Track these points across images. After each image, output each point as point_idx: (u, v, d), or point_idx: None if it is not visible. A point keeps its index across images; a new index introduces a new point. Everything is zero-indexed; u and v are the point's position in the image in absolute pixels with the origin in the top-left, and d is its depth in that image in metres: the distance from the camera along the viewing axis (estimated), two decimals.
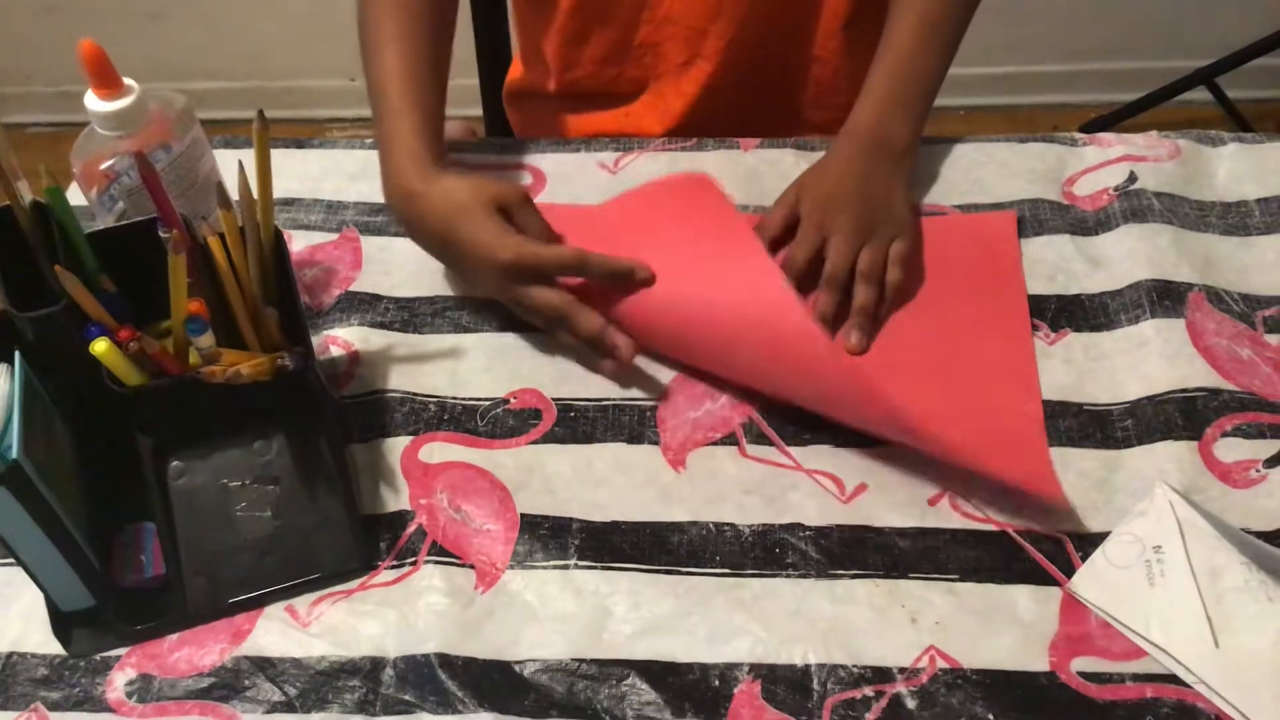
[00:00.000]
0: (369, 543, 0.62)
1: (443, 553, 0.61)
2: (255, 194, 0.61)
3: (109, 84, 0.64)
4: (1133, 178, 0.77)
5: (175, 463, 0.62)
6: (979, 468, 0.61)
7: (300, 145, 0.85)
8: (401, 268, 0.76)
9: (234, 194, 0.61)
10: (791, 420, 0.66)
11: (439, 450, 0.66)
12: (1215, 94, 1.76)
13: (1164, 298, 0.69)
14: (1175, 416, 0.64)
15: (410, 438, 0.66)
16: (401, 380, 0.70)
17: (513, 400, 0.68)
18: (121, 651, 0.59)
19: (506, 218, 0.68)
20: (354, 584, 0.61)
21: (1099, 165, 0.79)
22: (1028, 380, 0.66)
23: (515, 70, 1.00)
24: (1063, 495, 0.61)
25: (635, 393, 0.68)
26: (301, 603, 0.60)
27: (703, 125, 0.87)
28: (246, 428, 0.63)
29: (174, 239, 0.55)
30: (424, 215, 0.69)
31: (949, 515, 0.61)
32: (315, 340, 0.71)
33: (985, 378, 0.67)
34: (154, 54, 1.96)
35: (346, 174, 0.83)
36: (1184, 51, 1.81)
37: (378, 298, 0.74)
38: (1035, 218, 0.76)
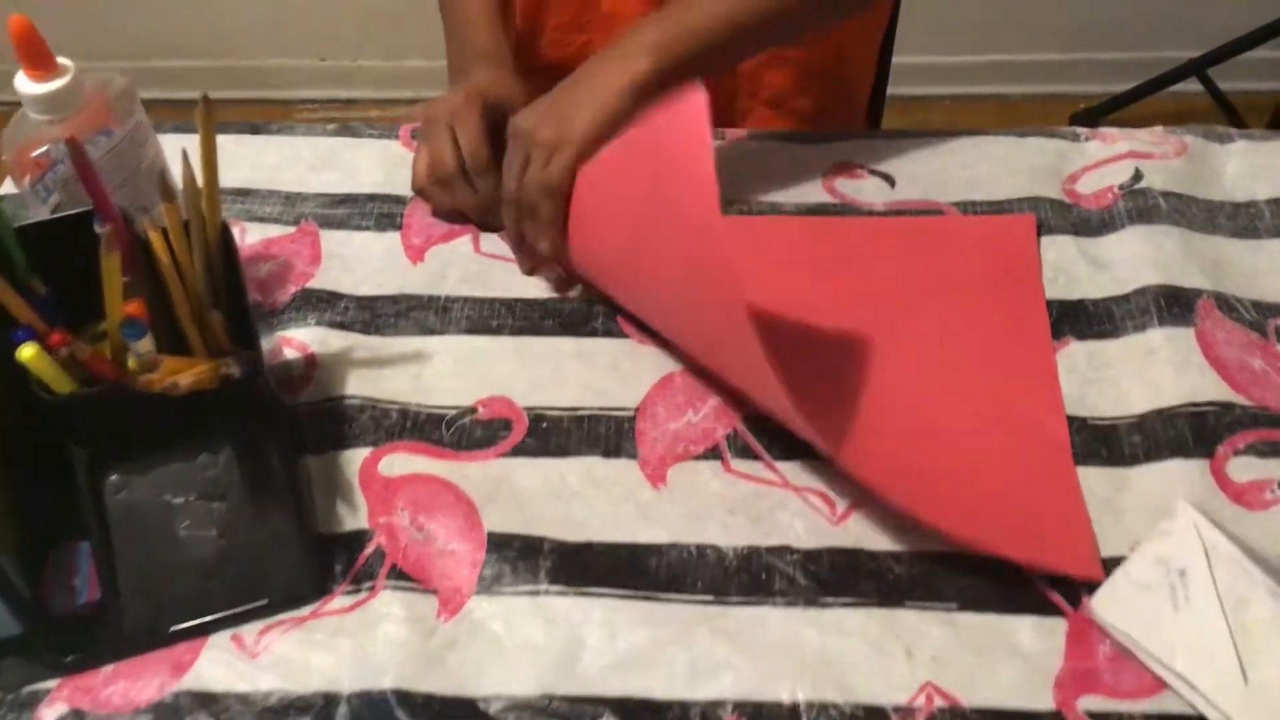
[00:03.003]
0: (323, 565, 0.57)
1: (403, 577, 0.57)
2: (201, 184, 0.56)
3: (41, 63, 0.59)
4: (1138, 175, 0.73)
5: (113, 477, 0.57)
6: (1002, 547, 0.56)
7: (256, 131, 0.80)
8: (363, 263, 0.72)
9: (180, 185, 0.56)
10: (779, 433, 0.62)
11: (400, 462, 0.61)
12: (1207, 86, 1.73)
13: (1172, 304, 0.65)
14: (1185, 432, 0.60)
15: (370, 449, 0.62)
16: (361, 386, 0.65)
17: (481, 409, 0.64)
18: (52, 684, 0.54)
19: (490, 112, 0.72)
20: (306, 611, 0.56)
21: (1102, 162, 0.75)
22: (1051, 396, 0.63)
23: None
24: (1101, 575, 0.56)
25: (612, 402, 0.64)
26: (249, 631, 0.55)
27: None
28: (191, 439, 0.58)
29: (107, 236, 0.51)
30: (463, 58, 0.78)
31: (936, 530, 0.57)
32: (268, 342, 0.66)
33: (1006, 392, 0.63)
34: (118, 30, 1.90)
35: (306, 163, 0.78)
36: (1175, 42, 1.78)
37: (337, 296, 0.70)
38: (1036, 217, 0.72)
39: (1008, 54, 1.88)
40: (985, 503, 0.58)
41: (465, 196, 0.72)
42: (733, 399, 0.64)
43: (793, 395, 0.54)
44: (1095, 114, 1.85)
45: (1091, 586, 0.55)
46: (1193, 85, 1.75)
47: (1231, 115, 1.72)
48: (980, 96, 1.92)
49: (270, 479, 0.58)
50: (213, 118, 0.56)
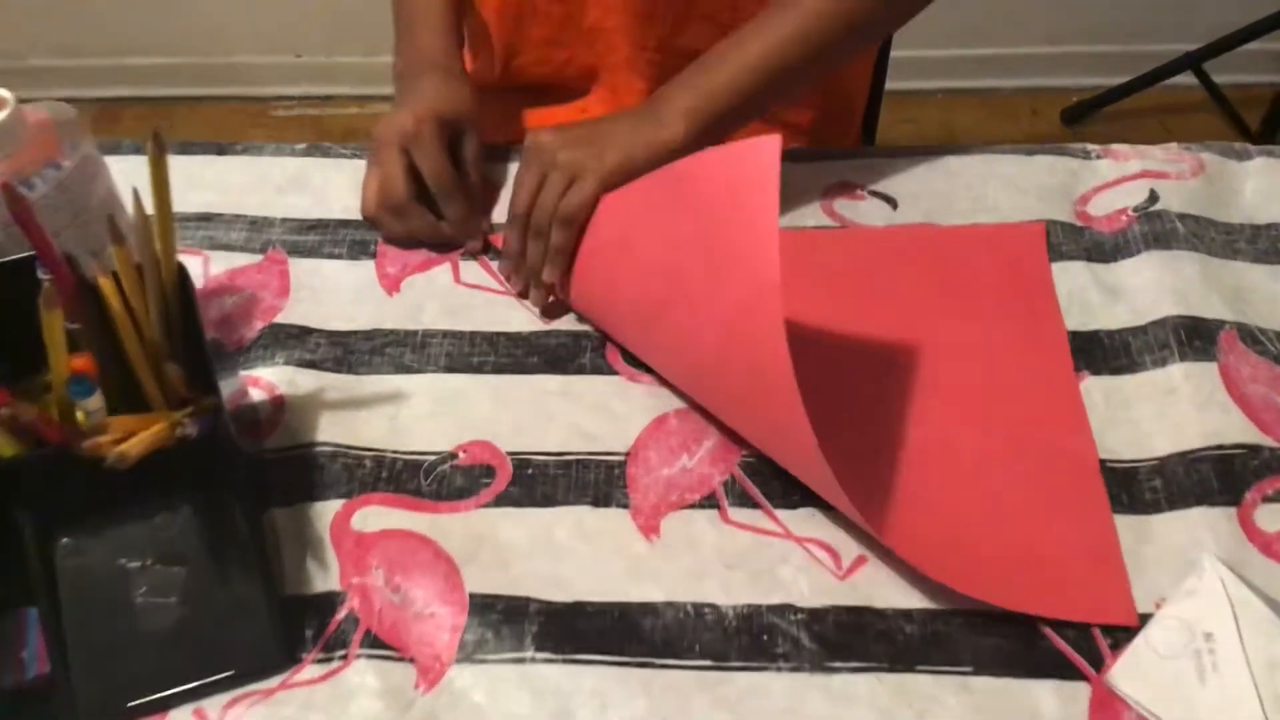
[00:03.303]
0: (291, 632, 0.53)
1: (378, 644, 0.53)
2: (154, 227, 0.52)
3: None
4: (1154, 197, 0.69)
5: (64, 540, 0.53)
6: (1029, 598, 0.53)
7: (221, 152, 0.75)
8: (335, 295, 0.67)
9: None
10: (779, 477, 0.58)
11: (375, 516, 0.57)
12: (1201, 79, 1.70)
13: (1193, 337, 0.62)
14: (1210, 478, 0.56)
15: (342, 501, 0.58)
16: (333, 430, 0.61)
17: (462, 455, 0.60)
18: None
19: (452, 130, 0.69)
20: (274, 682, 0.52)
21: (1115, 182, 0.71)
22: (1075, 414, 0.60)
23: (465, 63, 0.90)
24: (1135, 620, 0.53)
25: (601, 445, 0.60)
26: (212, 705, 0.51)
27: None
28: (147, 497, 0.54)
29: (47, 293, 0.46)
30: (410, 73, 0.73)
31: (961, 593, 0.54)
32: (233, 383, 0.62)
33: (1029, 413, 0.60)
34: (93, 28, 1.84)
35: (274, 186, 0.73)
36: (1169, 35, 1.74)
37: (307, 331, 0.65)
38: (1046, 240, 0.68)
39: (1000, 48, 1.85)
40: (1013, 553, 0.55)
41: (420, 224, 0.68)
42: (729, 439, 0.60)
43: (835, 468, 0.51)
44: (1088, 109, 1.81)
45: (1115, 642, 0.52)
46: (1187, 79, 1.71)
47: (1226, 110, 1.69)
48: (972, 91, 1.89)
49: (234, 539, 0.54)
50: (165, 157, 0.51)
